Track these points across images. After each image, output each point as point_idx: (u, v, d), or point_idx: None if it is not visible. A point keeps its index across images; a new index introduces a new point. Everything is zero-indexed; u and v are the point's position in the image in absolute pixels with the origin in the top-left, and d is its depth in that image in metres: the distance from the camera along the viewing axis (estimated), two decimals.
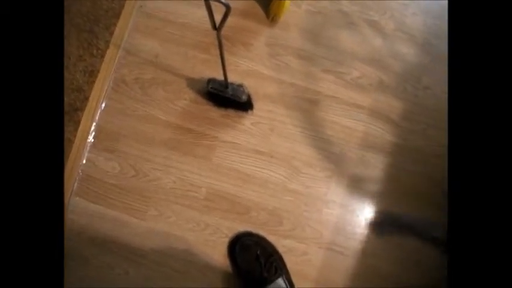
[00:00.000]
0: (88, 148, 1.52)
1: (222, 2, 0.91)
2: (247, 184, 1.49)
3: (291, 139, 1.51)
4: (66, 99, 1.50)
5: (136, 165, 1.50)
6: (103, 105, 1.54)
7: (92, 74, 1.54)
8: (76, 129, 1.51)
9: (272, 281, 1.36)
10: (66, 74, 1.51)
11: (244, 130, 1.51)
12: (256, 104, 1.52)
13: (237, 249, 1.43)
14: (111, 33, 1.57)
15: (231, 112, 1.52)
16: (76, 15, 1.55)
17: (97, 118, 1.53)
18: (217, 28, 1.04)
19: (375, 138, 1.53)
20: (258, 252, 1.41)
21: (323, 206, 1.50)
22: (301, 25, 1.59)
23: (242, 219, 1.48)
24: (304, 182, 1.50)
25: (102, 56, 1.55)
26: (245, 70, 1.55)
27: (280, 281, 1.36)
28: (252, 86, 1.50)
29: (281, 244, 1.46)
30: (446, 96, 1.55)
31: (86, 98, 1.53)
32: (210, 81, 1.42)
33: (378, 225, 1.49)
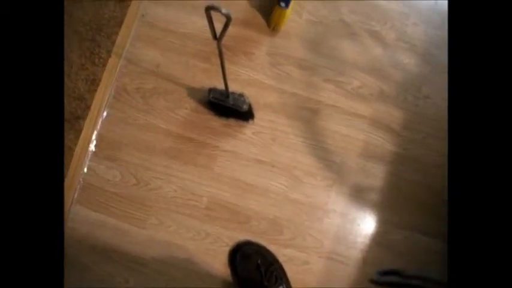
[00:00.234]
0: (89, 156, 1.54)
1: (222, 13, 0.94)
2: (248, 193, 1.51)
3: (292, 148, 1.54)
4: (67, 107, 1.53)
5: (137, 174, 1.53)
6: (104, 114, 1.57)
7: (93, 83, 1.57)
8: (77, 138, 1.54)
9: None
10: (68, 83, 1.54)
11: (245, 139, 1.54)
12: (257, 114, 1.55)
13: (237, 258, 1.45)
14: (113, 42, 1.61)
15: (232, 121, 1.54)
16: (78, 23, 1.58)
17: (98, 127, 1.56)
18: (217, 38, 1.07)
19: (375, 148, 1.55)
20: (259, 261, 1.43)
21: (324, 215, 1.52)
22: (302, 35, 1.62)
23: (243, 228, 1.50)
24: (305, 191, 1.52)
25: (104, 65, 1.59)
26: (246, 79, 1.58)
27: None
28: (253, 95, 1.53)
29: (282, 253, 1.49)
30: (446, 105, 1.57)
31: (88, 107, 1.56)
32: (211, 90, 1.44)
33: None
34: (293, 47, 1.61)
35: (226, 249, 1.49)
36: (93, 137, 1.55)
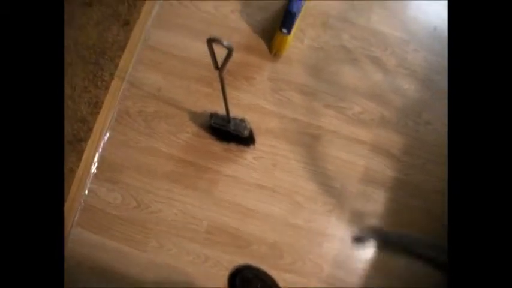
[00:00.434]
0: (90, 179, 1.57)
1: (224, 45, 0.96)
2: (249, 218, 1.54)
3: (293, 174, 1.56)
4: (69, 129, 1.56)
5: (138, 196, 1.55)
6: (106, 136, 1.59)
7: (96, 106, 1.60)
8: (79, 160, 1.57)
9: None
10: (70, 105, 1.57)
11: (246, 164, 1.57)
12: (259, 139, 1.58)
13: (237, 282, 1.47)
14: (116, 66, 1.64)
15: (233, 146, 1.57)
16: (82, 46, 1.61)
17: (100, 149, 1.59)
18: (219, 68, 1.09)
19: (375, 173, 1.58)
20: (259, 285, 1.45)
21: (324, 240, 1.54)
22: (303, 60, 1.65)
23: (243, 253, 1.52)
24: (305, 216, 1.55)
25: (107, 88, 1.62)
26: (247, 104, 1.61)
27: None
28: (254, 120, 1.56)
29: (282, 278, 1.51)
30: (446, 131, 1.59)
31: (90, 129, 1.59)
32: (213, 115, 1.47)
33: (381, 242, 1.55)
34: (294, 73, 1.64)
35: (226, 273, 1.52)
36: (95, 159, 1.58)
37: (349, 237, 1.54)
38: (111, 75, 1.62)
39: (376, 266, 1.53)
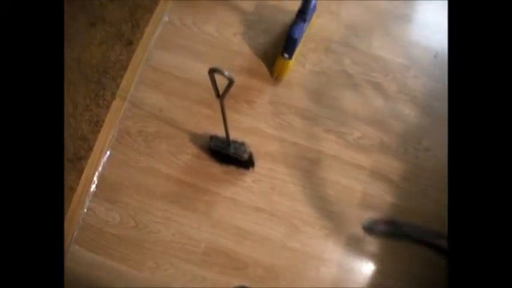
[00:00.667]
0: (90, 197, 1.60)
1: (225, 75, 1.00)
2: (246, 240, 1.56)
3: (291, 197, 1.59)
4: (70, 147, 1.59)
5: (136, 216, 1.57)
6: (106, 155, 1.63)
7: (97, 124, 1.63)
8: (79, 178, 1.60)
9: None
10: (72, 123, 1.60)
11: (245, 187, 1.59)
12: (258, 162, 1.61)
13: None
14: (118, 85, 1.68)
15: (232, 169, 1.61)
16: (85, 65, 1.65)
17: (100, 168, 1.61)
18: (220, 96, 1.12)
19: (374, 198, 1.60)
20: None
21: (320, 264, 1.56)
22: (304, 85, 1.69)
23: (239, 275, 1.55)
24: (302, 239, 1.57)
25: (108, 107, 1.65)
26: (248, 127, 1.64)
27: None
28: (254, 143, 1.59)
29: None
30: (446, 157, 1.62)
31: (90, 148, 1.62)
32: (213, 138, 1.50)
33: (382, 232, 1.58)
34: (295, 97, 1.68)
35: None
36: (95, 178, 1.60)
37: (346, 261, 1.56)
38: (113, 95, 1.66)
39: None
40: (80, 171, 1.60)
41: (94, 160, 1.61)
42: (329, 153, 1.64)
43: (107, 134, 1.63)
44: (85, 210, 1.59)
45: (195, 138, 1.63)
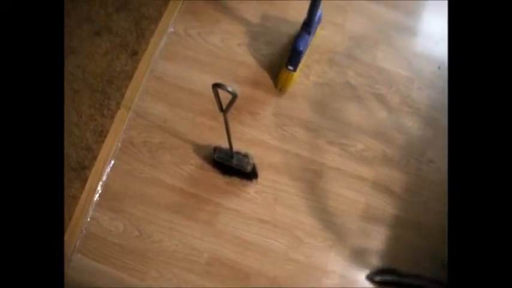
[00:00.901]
0: (93, 206, 1.62)
1: (228, 91, 1.02)
2: (249, 251, 1.58)
3: (294, 209, 1.61)
4: (74, 156, 1.62)
5: (140, 226, 1.60)
6: (110, 165, 1.65)
7: (101, 134, 1.66)
8: (83, 187, 1.63)
9: None
10: (76, 132, 1.63)
11: (248, 198, 1.62)
12: (261, 173, 1.63)
13: None
14: (123, 95, 1.70)
15: (235, 180, 1.63)
16: (90, 75, 1.68)
17: (104, 178, 1.64)
18: (224, 110, 1.14)
19: (376, 210, 1.62)
20: None
21: (323, 275, 1.58)
22: (308, 96, 1.71)
23: (242, 286, 1.57)
24: (305, 251, 1.59)
25: (113, 117, 1.68)
26: (251, 139, 1.66)
27: None
28: (257, 155, 1.61)
29: None
30: None
31: (94, 157, 1.65)
32: (216, 149, 1.52)
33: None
34: (299, 109, 1.70)
35: None
36: (99, 187, 1.63)
37: (349, 273, 1.58)
38: (118, 105, 1.69)
39: None
40: (84, 181, 1.63)
41: (98, 169, 1.64)
42: (332, 165, 1.66)
43: (111, 144, 1.66)
44: (88, 219, 1.61)
45: (198, 149, 1.66)
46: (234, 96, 1.05)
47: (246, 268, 1.58)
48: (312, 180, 1.65)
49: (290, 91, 1.72)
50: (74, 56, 1.71)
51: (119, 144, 1.67)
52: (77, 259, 1.58)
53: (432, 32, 1.84)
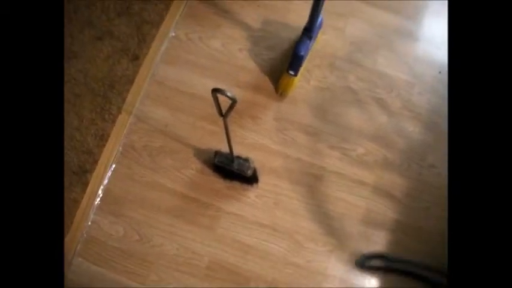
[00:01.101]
0: (94, 210, 1.64)
1: (228, 96, 1.03)
2: (249, 255, 1.60)
3: (294, 213, 1.63)
4: (76, 160, 1.63)
5: (140, 230, 1.61)
6: (111, 169, 1.67)
7: (102, 138, 1.67)
8: (84, 191, 1.64)
9: None
10: (78, 136, 1.65)
11: (248, 203, 1.63)
12: (262, 178, 1.65)
13: None
14: (124, 99, 1.72)
15: (236, 184, 1.64)
16: (92, 79, 1.70)
17: (105, 182, 1.66)
18: (223, 115, 1.15)
19: (377, 215, 1.63)
20: None
21: (323, 280, 1.59)
22: (309, 101, 1.73)
23: None
24: (305, 255, 1.60)
25: (114, 122, 1.70)
26: (252, 143, 1.68)
27: None
28: (258, 159, 1.62)
29: None
30: None
31: (95, 161, 1.66)
32: (217, 154, 1.54)
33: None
34: (299, 113, 1.72)
35: None
36: (100, 191, 1.65)
37: (349, 278, 1.59)
38: (119, 109, 1.70)
39: None
40: (85, 185, 1.64)
41: (99, 173, 1.66)
42: (333, 169, 1.67)
43: (112, 148, 1.68)
44: (89, 223, 1.63)
45: (199, 153, 1.68)
46: (234, 102, 1.06)
47: (246, 272, 1.59)
48: (312, 185, 1.66)
49: (291, 96, 1.73)
50: (76, 61, 1.72)
51: (120, 148, 1.68)
52: (78, 263, 1.60)
53: (433, 36, 1.85)
